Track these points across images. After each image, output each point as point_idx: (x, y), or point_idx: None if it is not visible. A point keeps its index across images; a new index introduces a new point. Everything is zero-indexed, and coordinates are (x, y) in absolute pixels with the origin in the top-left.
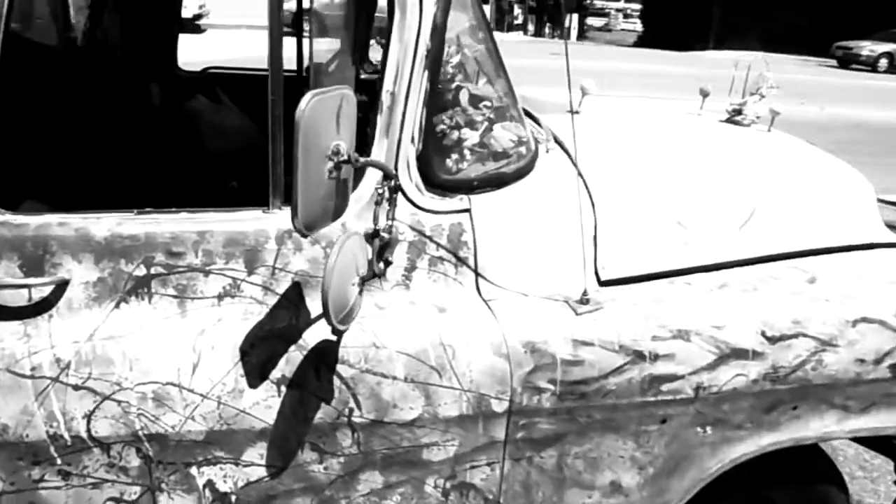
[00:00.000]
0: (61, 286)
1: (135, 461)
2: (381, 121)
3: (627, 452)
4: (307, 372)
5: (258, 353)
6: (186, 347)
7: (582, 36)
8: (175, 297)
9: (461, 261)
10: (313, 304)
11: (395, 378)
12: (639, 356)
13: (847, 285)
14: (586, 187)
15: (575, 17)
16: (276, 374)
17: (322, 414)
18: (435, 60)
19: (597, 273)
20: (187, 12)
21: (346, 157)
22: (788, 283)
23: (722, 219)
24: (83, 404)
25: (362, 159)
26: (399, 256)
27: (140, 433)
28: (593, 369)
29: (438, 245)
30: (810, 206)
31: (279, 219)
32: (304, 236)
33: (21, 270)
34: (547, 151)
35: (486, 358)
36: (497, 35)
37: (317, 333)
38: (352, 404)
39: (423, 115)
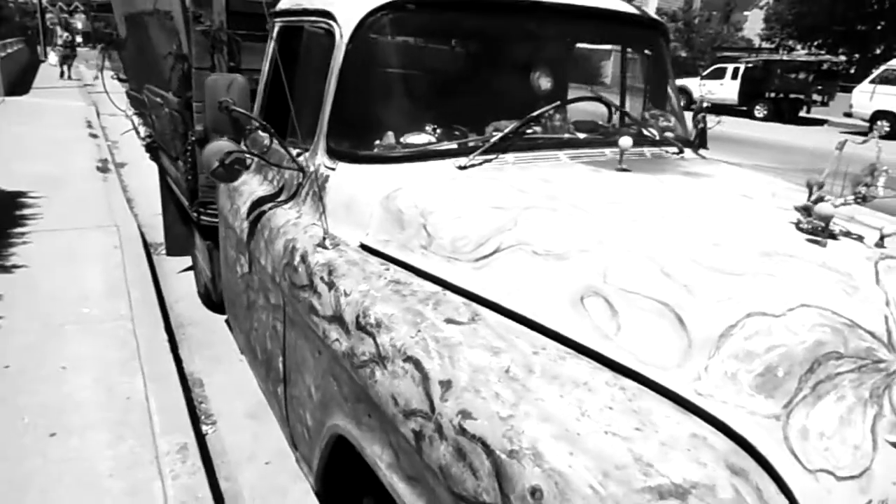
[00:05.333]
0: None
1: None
2: (321, 111)
3: (311, 367)
4: (244, 224)
5: (249, 203)
6: (245, 193)
7: None
8: (256, 174)
9: (321, 197)
10: (273, 192)
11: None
12: (311, 284)
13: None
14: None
15: None
16: (243, 212)
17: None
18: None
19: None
20: None
21: (226, 107)
22: (436, 305)
23: (460, 246)
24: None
25: (232, 107)
26: (306, 185)
27: (225, 215)
28: (300, 278)
29: (316, 183)
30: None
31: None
32: (215, 134)
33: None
34: (462, 168)
35: (280, 244)
36: None
37: (253, 210)
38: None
39: (330, 110)
